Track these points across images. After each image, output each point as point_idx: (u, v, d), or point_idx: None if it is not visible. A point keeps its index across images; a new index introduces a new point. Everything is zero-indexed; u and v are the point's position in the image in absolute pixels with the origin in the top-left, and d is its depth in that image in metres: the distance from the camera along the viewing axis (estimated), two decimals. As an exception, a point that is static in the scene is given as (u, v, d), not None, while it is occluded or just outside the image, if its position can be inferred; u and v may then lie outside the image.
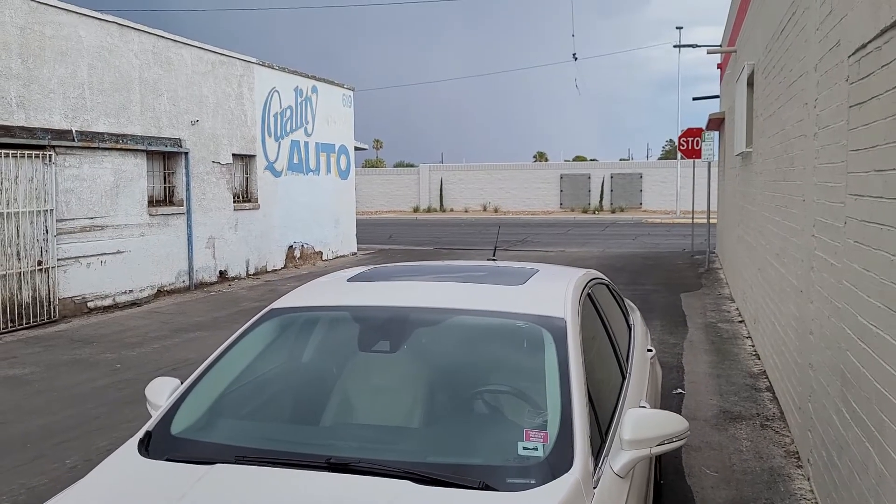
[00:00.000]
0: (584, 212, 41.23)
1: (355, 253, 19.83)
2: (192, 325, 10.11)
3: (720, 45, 15.66)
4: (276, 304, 3.30)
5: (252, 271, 15.33)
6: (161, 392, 2.90)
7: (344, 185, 19.55)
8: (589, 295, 3.52)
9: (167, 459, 2.44)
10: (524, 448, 2.44)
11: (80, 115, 10.94)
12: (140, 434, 2.63)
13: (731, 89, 11.52)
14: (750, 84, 8.50)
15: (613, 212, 40.90)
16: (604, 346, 3.42)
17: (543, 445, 2.44)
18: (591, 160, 54.79)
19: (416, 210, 44.97)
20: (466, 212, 43.55)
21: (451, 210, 44.52)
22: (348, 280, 3.59)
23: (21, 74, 9.94)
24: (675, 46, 32.07)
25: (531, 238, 24.41)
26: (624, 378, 3.45)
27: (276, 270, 16.10)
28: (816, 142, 4.51)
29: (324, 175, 18.39)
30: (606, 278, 4.27)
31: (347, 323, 3.24)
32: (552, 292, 3.31)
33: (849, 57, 3.59)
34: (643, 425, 2.60)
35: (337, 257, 18.84)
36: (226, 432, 2.71)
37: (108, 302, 11.43)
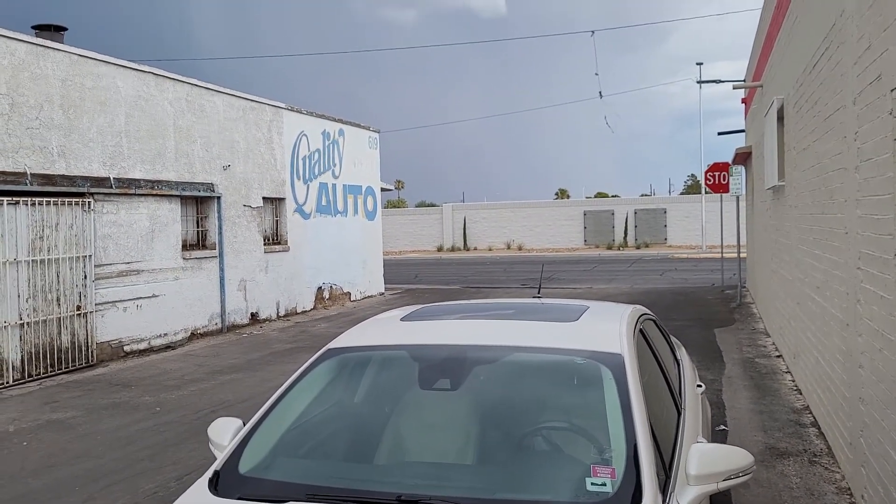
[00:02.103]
0: (609, 248, 41.11)
1: (383, 293, 19.90)
2: (227, 367, 10.18)
3: (744, 80, 15.73)
4: (333, 344, 3.35)
5: (282, 313, 15.44)
6: (224, 432, 2.95)
7: (371, 226, 19.74)
8: (641, 330, 3.54)
9: (239, 498, 2.47)
10: (592, 484, 2.45)
11: (118, 162, 11.21)
12: (209, 473, 2.67)
13: (759, 123, 11.55)
14: (780, 118, 8.53)
15: (638, 247, 40.73)
16: (658, 381, 3.42)
17: (612, 481, 2.45)
18: (612, 196, 54.79)
19: (439, 249, 45.11)
20: (490, 250, 43.61)
21: (475, 249, 44.60)
22: (401, 319, 3.64)
23: (62, 125, 10.25)
24: (697, 82, 32.24)
25: (557, 275, 24.35)
26: (679, 413, 3.44)
27: (305, 312, 16.20)
28: (858, 174, 4.51)
29: (351, 216, 18.59)
30: (653, 314, 4.28)
31: (406, 361, 3.28)
32: (606, 328, 3.33)
33: (892, 91, 3.62)
34: (709, 460, 2.60)
35: (365, 297, 18.92)
36: (293, 471, 2.75)
37: (143, 345, 11.56)
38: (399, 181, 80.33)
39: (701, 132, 39.08)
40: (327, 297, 17.26)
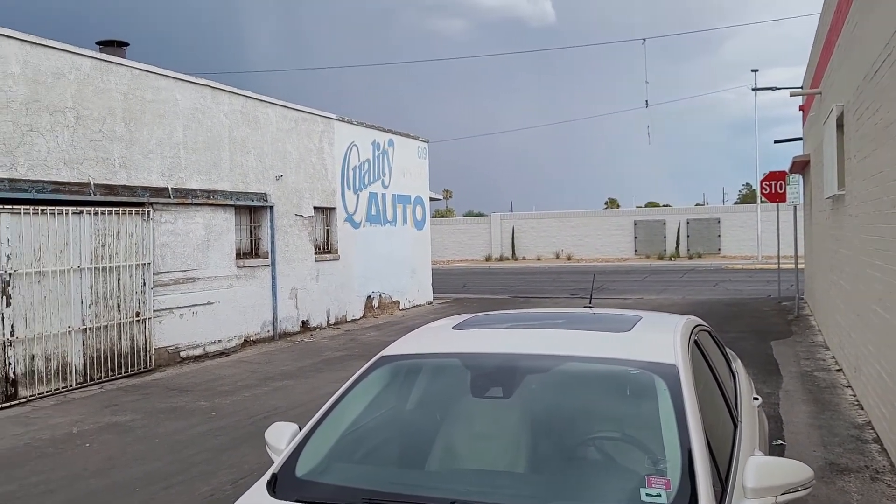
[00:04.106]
0: (660, 258, 40.50)
1: (431, 302, 19.98)
2: (279, 374, 10.35)
3: (801, 87, 15.38)
4: (386, 352, 3.40)
5: (332, 321, 15.63)
6: (281, 436, 3.02)
7: (420, 236, 19.86)
8: (696, 342, 3.50)
9: (296, 500, 2.53)
10: (647, 494, 2.44)
11: (176, 173, 11.53)
12: (267, 476, 2.73)
13: (817, 131, 11.27)
14: (840, 126, 8.32)
15: (691, 258, 40.04)
16: (714, 393, 3.37)
17: (667, 492, 2.43)
18: (664, 206, 54.00)
19: (488, 259, 45.08)
20: (539, 260, 43.40)
21: (524, 258, 44.43)
22: (453, 328, 3.67)
23: (124, 137, 10.59)
24: (752, 89, 31.57)
25: (607, 286, 24.10)
26: (736, 426, 3.38)
27: (355, 320, 16.37)
28: (923, 183, 4.38)
29: (400, 226, 18.74)
30: (708, 325, 4.22)
31: (458, 369, 3.30)
32: (660, 338, 3.31)
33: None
34: (767, 473, 2.55)
35: (414, 306, 19.02)
36: (348, 475, 2.80)
37: (198, 351, 11.84)
38: (447, 190, 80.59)
39: (756, 140, 38.37)
40: (376, 305, 17.41)
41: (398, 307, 18.37)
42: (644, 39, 21.82)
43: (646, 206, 58.02)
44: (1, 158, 8.77)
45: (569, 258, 42.90)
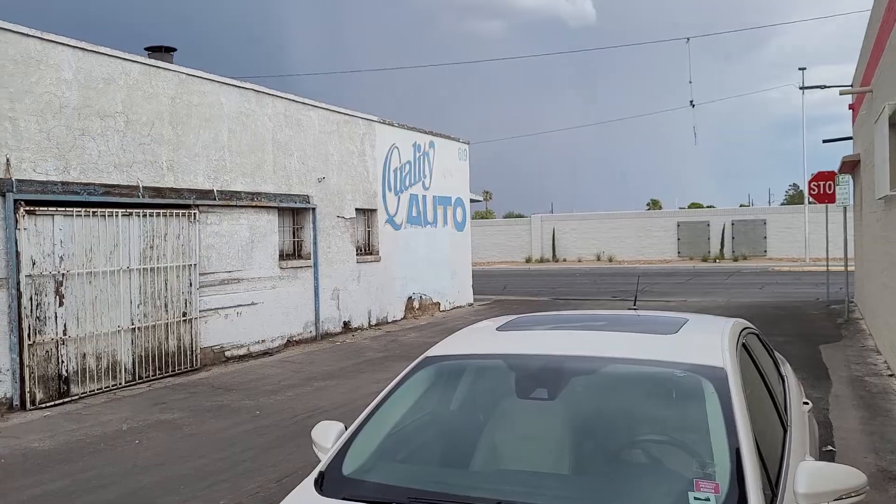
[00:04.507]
0: (704, 260, 39.86)
1: (472, 304, 19.98)
2: (322, 374, 10.46)
3: (851, 85, 15.00)
4: (431, 353, 3.41)
5: (373, 322, 15.73)
6: (327, 435, 3.05)
7: (460, 237, 19.88)
8: (744, 345, 3.45)
9: (343, 498, 2.56)
10: (695, 499, 2.41)
11: (221, 175, 11.74)
12: (314, 474, 2.77)
13: (868, 130, 10.98)
14: (892, 124, 8.09)
15: (735, 260, 39.33)
16: (763, 396, 3.31)
17: (715, 496, 2.40)
18: (707, 207, 53.12)
19: (528, 260, 44.91)
20: (580, 261, 43.09)
21: (564, 260, 44.15)
22: (497, 329, 3.67)
23: (171, 140, 10.82)
24: (800, 88, 30.86)
25: (650, 288, 23.81)
26: (785, 430, 3.32)
27: (396, 321, 16.45)
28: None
29: (441, 227, 18.78)
30: (755, 328, 4.14)
31: (502, 370, 3.31)
32: (708, 341, 3.26)
33: None
34: (819, 479, 2.50)
35: (454, 308, 19.05)
36: (394, 474, 2.82)
37: (242, 351, 12.02)
38: (487, 192, 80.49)
39: (804, 140, 37.45)
40: (417, 306, 17.47)
41: (438, 308, 18.41)
42: (688, 38, 21.52)
43: (689, 207, 57.17)
44: (54, 162, 9.03)
45: (610, 260, 42.50)
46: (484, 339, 3.67)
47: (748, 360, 3.39)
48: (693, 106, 25.20)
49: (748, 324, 3.97)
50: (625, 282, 26.59)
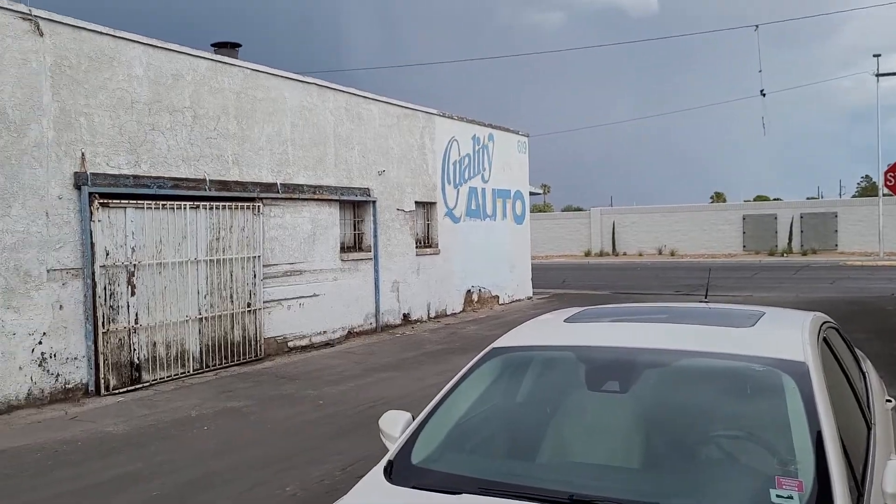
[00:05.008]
0: (771, 254, 38.71)
1: (531, 297, 19.86)
2: (383, 365, 10.54)
3: (931, 71, 14.30)
4: (498, 344, 3.38)
5: (433, 314, 15.78)
6: (395, 424, 3.06)
7: (519, 230, 19.77)
8: (824, 339, 3.32)
9: (413, 487, 2.56)
10: (777, 496, 2.33)
11: (284, 168, 11.92)
12: (383, 463, 2.78)
13: (951, 117, 10.45)
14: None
15: (804, 254, 38.07)
16: (845, 393, 3.18)
17: (799, 494, 2.32)
18: (774, 199, 51.58)
19: (587, 254, 44.41)
20: (640, 255, 42.38)
21: (624, 254, 43.50)
22: (565, 320, 3.62)
23: (236, 134, 11.04)
24: (875, 75, 29.61)
25: (714, 282, 23.23)
26: (869, 428, 3.18)
27: (455, 314, 16.47)
28: None
29: (500, 220, 18.70)
30: (835, 322, 3.98)
31: (571, 362, 3.26)
32: (787, 335, 3.15)
33: None
34: None
35: (513, 301, 18.97)
36: (462, 464, 2.81)
37: (305, 342, 12.21)
38: (545, 185, 79.83)
39: (878, 129, 35.95)
40: (476, 299, 17.45)
41: (497, 302, 18.36)
42: (756, 26, 20.82)
43: (754, 200, 55.63)
44: (126, 156, 9.32)
45: (672, 254, 41.68)
46: (552, 330, 3.63)
47: (829, 355, 3.26)
48: (763, 95, 24.34)
49: (828, 318, 3.82)
50: (687, 276, 26.03)
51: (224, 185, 10.73)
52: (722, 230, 41.17)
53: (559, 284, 24.16)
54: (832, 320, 3.89)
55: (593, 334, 3.41)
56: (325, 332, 12.65)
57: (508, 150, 19.22)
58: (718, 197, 67.22)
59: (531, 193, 21.43)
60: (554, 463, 2.87)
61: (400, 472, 2.70)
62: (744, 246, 40.54)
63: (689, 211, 42.94)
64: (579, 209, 58.94)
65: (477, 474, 2.65)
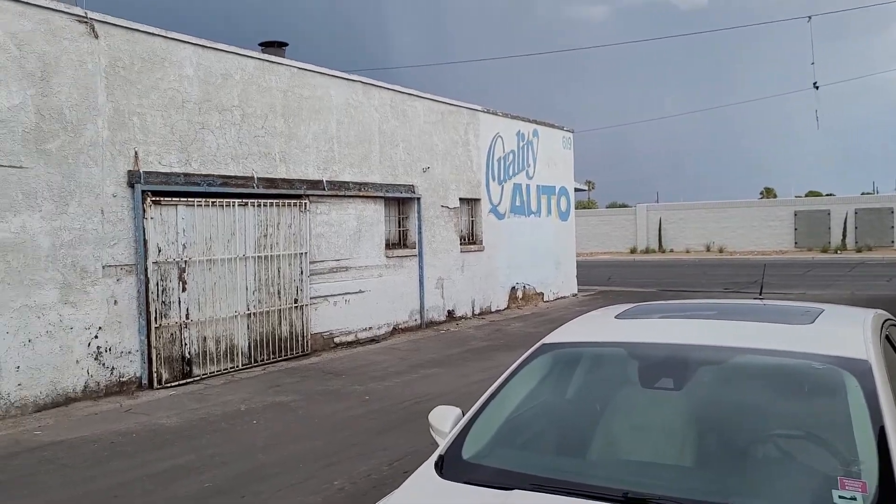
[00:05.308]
0: (824, 251, 37.69)
1: (576, 294, 19.69)
2: (428, 361, 10.56)
3: None
4: (548, 339, 3.36)
5: (477, 311, 15.77)
6: (445, 419, 3.06)
7: (564, 227, 19.63)
8: (886, 336, 3.21)
9: (465, 482, 2.55)
10: (840, 497, 2.26)
11: (330, 166, 12.03)
12: (434, 458, 2.77)
13: None
14: None
15: (859, 251, 36.98)
16: None
17: (863, 496, 2.24)
18: (827, 195, 50.21)
19: (632, 251, 43.86)
20: (688, 252, 41.67)
21: (671, 251, 42.83)
22: (616, 317, 3.57)
23: (283, 132, 11.17)
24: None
25: (765, 279, 22.71)
26: None
27: (499, 311, 16.43)
28: None
29: (544, 217, 18.59)
30: (897, 319, 3.85)
31: (623, 359, 3.21)
32: (848, 332, 3.06)
33: None
34: None
35: (558, 298, 18.84)
36: (513, 460, 2.79)
37: (350, 338, 12.31)
38: (589, 181, 79.10)
39: (936, 122, 34.66)
40: (520, 296, 17.38)
41: (542, 299, 18.25)
42: (809, 17, 20.26)
43: (806, 195, 54.23)
44: (177, 154, 9.50)
45: (720, 251, 40.91)
46: (602, 326, 3.58)
47: (892, 352, 3.16)
48: (817, 88, 23.63)
49: (889, 315, 3.70)
50: (737, 273, 25.52)
51: (271, 182, 10.87)
52: (772, 226, 40.25)
53: (604, 281, 23.92)
54: (894, 318, 3.77)
55: (645, 330, 3.36)
56: (370, 328, 12.74)
57: (553, 146, 19.08)
58: (769, 192, 65.74)
59: (576, 190, 21.25)
60: (605, 460, 2.84)
61: (451, 466, 2.69)
62: (795, 243, 39.58)
63: (739, 207, 42.08)
64: (624, 205, 58.26)
65: (528, 470, 2.63)
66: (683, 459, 2.73)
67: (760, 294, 4.33)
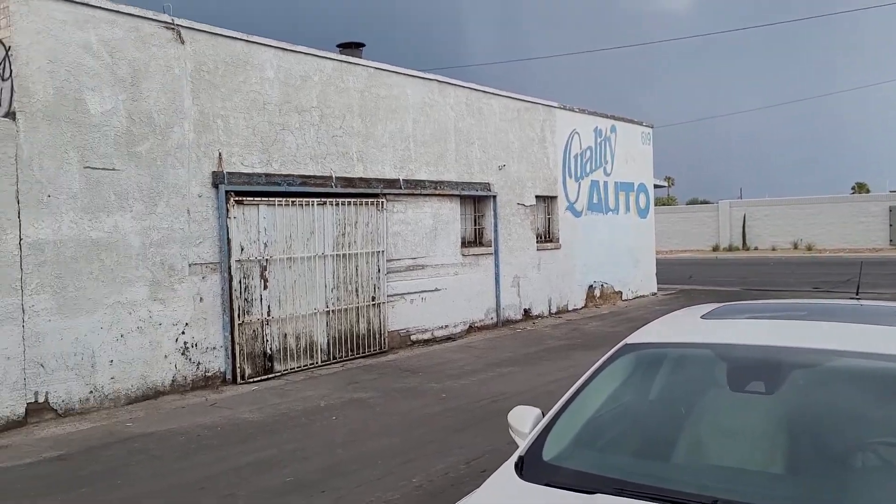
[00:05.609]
0: (922, 249, 35.68)
1: (655, 293, 19.24)
2: (504, 360, 10.50)
3: None
4: (631, 339, 3.26)
5: (554, 310, 15.59)
6: (524, 420, 3.01)
7: (643, 224, 19.20)
8: None
9: (546, 484, 2.49)
10: None
11: (406, 165, 12.11)
12: (514, 459, 2.73)
13: None
14: None
15: (960, 248, 34.84)
16: None
17: None
18: (926, 189, 47.48)
19: (715, 249, 42.55)
20: (773, 250, 40.15)
21: (756, 248, 41.35)
22: (702, 317, 3.44)
23: (360, 132, 11.31)
24: None
25: (856, 279, 21.64)
26: None
27: (576, 310, 16.20)
28: None
29: (623, 214, 18.23)
30: None
31: (711, 360, 3.08)
32: None
33: None
34: None
35: (636, 297, 18.44)
36: (595, 463, 2.72)
37: (427, 336, 12.37)
38: (668, 177, 77.22)
39: None
40: (598, 295, 17.10)
41: (620, 298, 17.91)
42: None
43: (902, 189, 51.40)
44: (259, 155, 9.74)
45: (809, 248, 39.24)
46: (688, 326, 3.45)
47: None
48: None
49: None
50: (826, 272, 24.40)
51: (349, 181, 11.02)
52: (865, 223, 38.33)
53: (685, 280, 23.28)
54: None
55: (734, 331, 3.21)
56: (446, 326, 12.77)
57: (632, 141, 18.69)
58: (861, 188, 62.68)
59: (655, 186, 20.75)
60: (691, 464, 2.72)
61: (531, 468, 2.64)
62: (891, 240, 37.59)
63: (828, 202, 40.26)
64: (706, 202, 56.63)
65: (611, 473, 2.55)
66: (775, 466, 2.59)
67: (857, 294, 4.09)
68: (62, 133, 7.82)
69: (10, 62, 7.49)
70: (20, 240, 7.45)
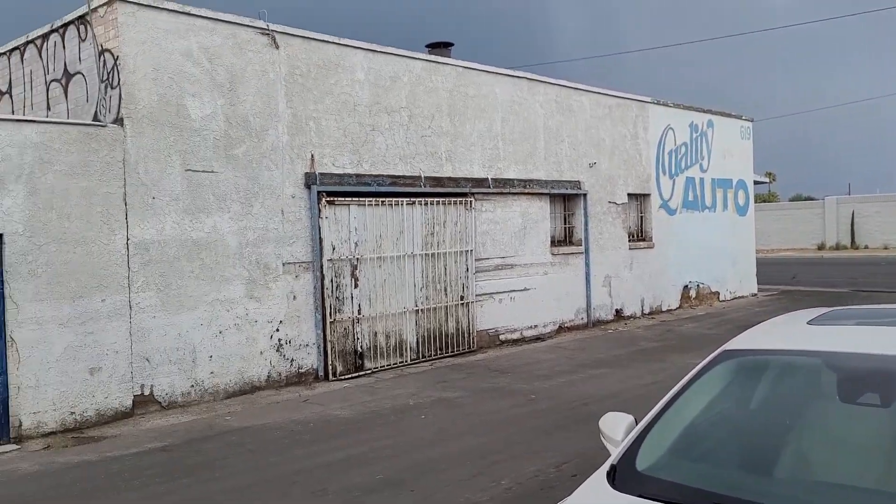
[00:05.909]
0: None
1: (755, 294, 18.44)
2: (594, 361, 10.29)
3: None
4: (730, 346, 3.10)
5: (647, 311, 15.18)
6: (616, 427, 2.90)
7: (742, 222, 18.44)
8: None
9: (639, 496, 2.39)
10: None
11: (494, 164, 12.05)
12: (605, 467, 2.63)
13: None
14: None
15: None
16: None
17: None
18: None
19: (820, 247, 40.44)
20: (886, 249, 37.79)
21: (866, 247, 39.04)
22: (808, 322, 3.23)
23: (449, 131, 11.33)
24: None
25: (980, 279, 20.11)
26: None
27: (670, 310, 15.72)
28: None
29: (720, 212, 17.56)
30: None
31: (818, 369, 2.89)
32: None
33: None
34: None
35: (735, 298, 17.73)
36: (690, 474, 2.59)
37: (515, 335, 12.27)
38: (769, 173, 73.99)
39: None
40: (693, 296, 16.54)
41: (717, 298, 17.26)
42: None
43: None
44: (349, 156, 9.91)
45: (925, 247, 36.75)
46: (793, 333, 3.25)
47: None
48: None
49: None
50: (946, 272, 22.74)
51: (437, 181, 11.06)
52: None
53: (788, 281, 22.23)
54: None
55: (844, 339, 2.99)
56: (535, 325, 12.63)
57: (730, 136, 17.97)
58: (985, 181, 58.21)
59: (755, 182, 19.90)
60: (796, 480, 2.55)
61: (624, 478, 2.54)
62: None
63: (948, 197, 37.56)
64: (810, 198, 54.01)
65: (708, 486, 2.42)
66: (890, 485, 2.40)
67: None
68: (165, 137, 8.18)
69: (118, 71, 7.89)
70: (127, 240, 7.84)
